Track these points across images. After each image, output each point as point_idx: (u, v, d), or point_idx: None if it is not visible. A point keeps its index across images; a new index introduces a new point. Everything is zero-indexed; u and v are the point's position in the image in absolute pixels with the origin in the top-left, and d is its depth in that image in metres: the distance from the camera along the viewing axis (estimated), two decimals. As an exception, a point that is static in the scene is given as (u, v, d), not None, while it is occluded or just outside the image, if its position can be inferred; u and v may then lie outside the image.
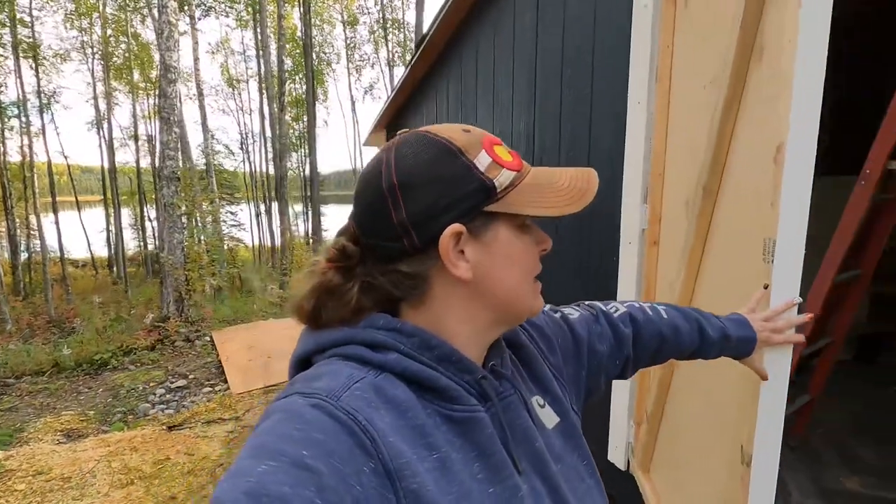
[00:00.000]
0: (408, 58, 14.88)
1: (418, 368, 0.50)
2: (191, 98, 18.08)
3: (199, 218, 11.77)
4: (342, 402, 0.44)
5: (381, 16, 16.56)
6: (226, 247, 12.43)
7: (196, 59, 14.71)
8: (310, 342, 0.54)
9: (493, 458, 0.51)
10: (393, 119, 4.65)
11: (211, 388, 5.71)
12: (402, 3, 16.26)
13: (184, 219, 9.03)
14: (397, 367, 0.50)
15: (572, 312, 0.75)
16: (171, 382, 5.99)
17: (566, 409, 0.64)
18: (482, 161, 0.51)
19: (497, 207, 0.51)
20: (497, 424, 0.53)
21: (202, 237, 11.63)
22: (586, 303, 0.81)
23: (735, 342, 0.82)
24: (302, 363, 0.55)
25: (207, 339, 7.47)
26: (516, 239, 0.54)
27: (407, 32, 16.23)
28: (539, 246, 0.57)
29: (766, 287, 0.85)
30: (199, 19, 15.49)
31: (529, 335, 0.68)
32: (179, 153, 9.65)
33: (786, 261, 0.87)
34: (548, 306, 0.74)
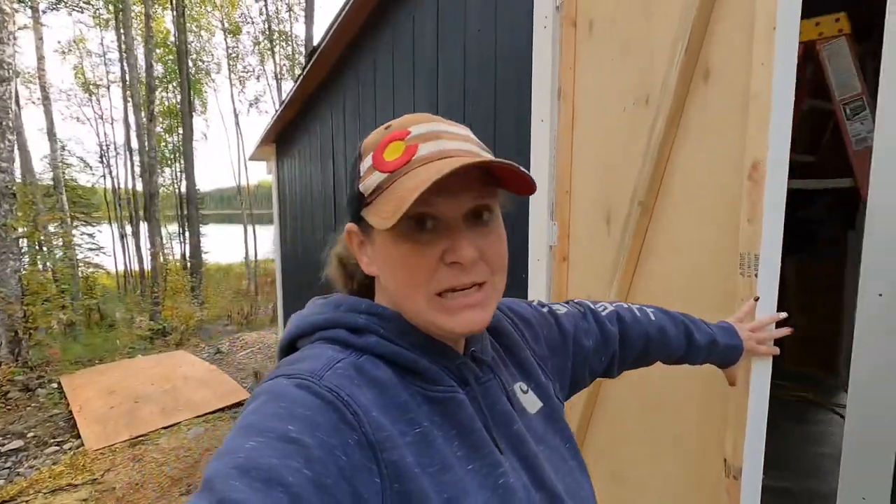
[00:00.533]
0: (297, 71, 14.33)
1: (397, 351, 0.51)
2: (34, 102, 15.55)
3: (43, 241, 10.00)
4: (325, 380, 0.45)
5: (266, 27, 15.75)
6: (80, 274, 10.69)
7: (41, 58, 12.67)
8: (295, 327, 0.56)
9: (472, 437, 0.52)
10: (282, 133, 4.35)
11: (58, 447, 4.73)
12: (290, 15, 15.67)
13: (21, 242, 7.57)
14: (378, 350, 0.51)
15: (560, 308, 0.77)
16: (1, 445, 4.87)
17: (549, 395, 0.65)
18: (365, 164, 0.52)
19: (366, 213, 0.51)
20: (476, 407, 0.54)
21: (48, 264, 9.88)
22: (575, 300, 0.82)
23: (722, 349, 0.85)
24: (288, 348, 0.56)
25: (55, 385, 6.27)
26: (393, 246, 0.51)
27: (295, 45, 15.61)
28: (442, 257, 0.49)
29: (756, 300, 0.89)
30: (44, 12, 13.38)
31: (514, 323, 0.69)
32: (15, 165, 8.11)
33: (767, 274, 0.91)
34: (536, 301, 0.77)
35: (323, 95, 3.62)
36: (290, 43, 15.44)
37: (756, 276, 0.92)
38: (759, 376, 0.94)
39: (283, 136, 4.38)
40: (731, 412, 0.99)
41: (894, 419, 0.98)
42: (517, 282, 2.03)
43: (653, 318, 0.81)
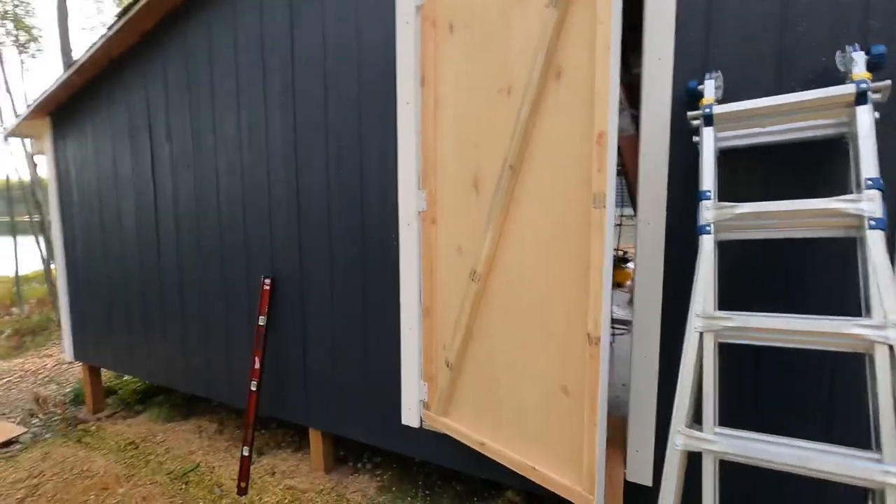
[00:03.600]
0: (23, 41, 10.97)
1: None
2: None
3: None
4: None
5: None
6: None
7: None
8: None
9: None
10: (65, 104, 3.47)
11: None
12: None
13: None
14: None
15: None
16: None
17: None
18: None
19: None
20: None
21: None
22: None
23: None
24: None
25: None
26: None
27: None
28: None
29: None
30: None
31: None
32: None
33: (610, 206, 1.36)
34: None
35: (132, 63, 3.11)
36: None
37: (605, 207, 1.42)
38: (597, 266, 1.44)
39: (68, 108, 3.52)
40: (591, 299, 1.48)
41: (666, 294, 1.63)
42: (388, 246, 2.29)
43: None
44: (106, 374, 4.72)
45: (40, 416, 4.17)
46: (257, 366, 2.73)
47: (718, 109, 1.36)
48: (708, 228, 1.30)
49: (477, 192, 1.91)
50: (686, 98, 1.59)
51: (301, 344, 2.66)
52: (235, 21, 2.65)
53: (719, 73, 1.48)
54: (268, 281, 2.70)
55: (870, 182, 1.15)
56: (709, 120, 1.38)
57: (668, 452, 1.22)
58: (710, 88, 1.43)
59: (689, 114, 1.46)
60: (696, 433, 1.20)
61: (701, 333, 1.24)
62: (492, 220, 1.82)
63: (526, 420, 1.81)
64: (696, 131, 1.52)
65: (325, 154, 2.44)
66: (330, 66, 2.37)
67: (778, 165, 1.50)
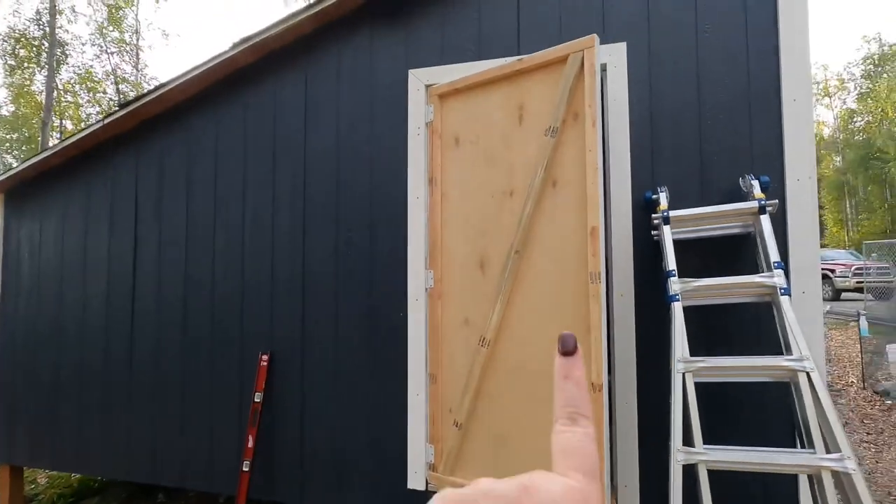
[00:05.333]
0: None
1: None
2: None
3: None
4: None
5: None
6: None
7: None
8: None
9: None
10: (30, 181, 3.38)
11: None
12: None
13: None
14: None
15: None
16: None
17: None
18: None
19: None
20: None
21: None
22: None
23: None
24: None
25: None
26: None
27: None
28: None
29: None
30: None
31: None
32: None
33: (603, 281, 1.84)
34: None
35: (123, 146, 3.23)
36: None
37: (600, 282, 1.89)
38: (596, 326, 1.88)
39: (33, 186, 3.44)
40: (593, 354, 1.90)
41: (642, 349, 2.11)
42: (396, 320, 2.58)
43: None
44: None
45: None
46: (251, 444, 2.75)
47: (674, 213, 1.94)
48: (677, 297, 1.81)
49: (483, 272, 2.32)
50: (642, 204, 2.18)
51: (299, 419, 2.76)
52: (246, 118, 2.98)
53: (666, 188, 2.09)
54: (265, 357, 2.82)
55: (776, 264, 1.73)
56: (666, 220, 1.95)
57: (672, 467, 1.60)
58: (663, 199, 2.02)
59: (654, 215, 2.03)
60: (691, 449, 1.61)
61: (683, 374, 1.69)
62: (500, 295, 2.22)
63: (534, 468, 2.11)
64: (654, 228, 2.09)
65: (334, 238, 2.74)
66: (343, 166, 2.75)
67: (712, 252, 2.10)
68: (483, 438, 2.28)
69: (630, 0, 2.32)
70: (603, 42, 2.24)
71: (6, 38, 15.61)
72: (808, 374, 1.55)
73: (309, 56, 2.86)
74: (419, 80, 2.62)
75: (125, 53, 17.90)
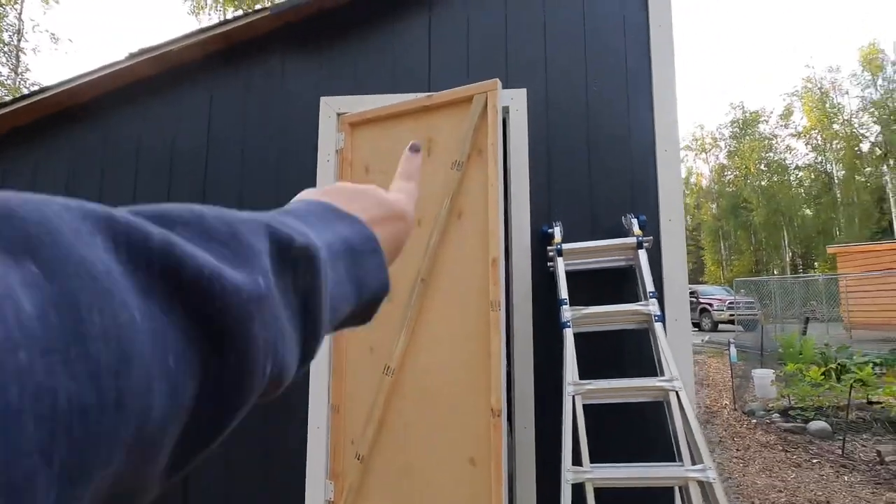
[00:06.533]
0: None
1: None
2: None
3: None
4: None
5: None
6: None
7: None
8: None
9: None
10: None
11: None
12: None
13: None
14: None
15: None
16: None
17: None
18: None
19: None
20: None
21: None
22: None
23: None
24: None
25: None
26: None
27: None
28: None
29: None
30: None
31: None
32: None
33: (503, 311, 1.91)
34: None
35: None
36: None
37: (500, 310, 1.98)
38: (496, 353, 1.96)
39: None
40: (493, 380, 1.97)
41: (538, 375, 2.21)
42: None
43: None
44: None
45: None
46: (125, 491, 2.45)
47: (566, 246, 2.10)
48: (569, 324, 1.94)
49: (390, 300, 2.32)
50: (539, 237, 2.34)
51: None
52: (141, 130, 2.78)
53: (560, 223, 2.27)
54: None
55: (651, 293, 1.93)
56: (560, 252, 2.10)
57: (562, 486, 1.68)
58: (557, 232, 2.18)
59: (549, 247, 2.18)
60: (580, 468, 1.70)
61: (573, 396, 1.80)
62: (406, 322, 2.23)
63: (438, 496, 2.10)
64: (550, 259, 2.25)
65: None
66: (246, 188, 2.65)
67: (600, 283, 2.29)
68: (386, 470, 2.23)
69: (530, 49, 2.54)
70: (506, 87, 2.41)
71: None
72: (677, 392, 1.72)
73: (216, 73, 2.76)
74: (331, 107, 2.64)
75: (2, 54, 16.02)
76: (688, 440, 1.67)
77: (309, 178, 2.58)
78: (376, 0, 2.71)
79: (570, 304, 2.03)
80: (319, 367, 2.44)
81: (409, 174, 0.43)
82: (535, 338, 2.30)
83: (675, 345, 2.02)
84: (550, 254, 2.19)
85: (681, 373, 1.80)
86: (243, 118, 2.71)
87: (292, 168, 2.63)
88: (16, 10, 16.02)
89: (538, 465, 2.22)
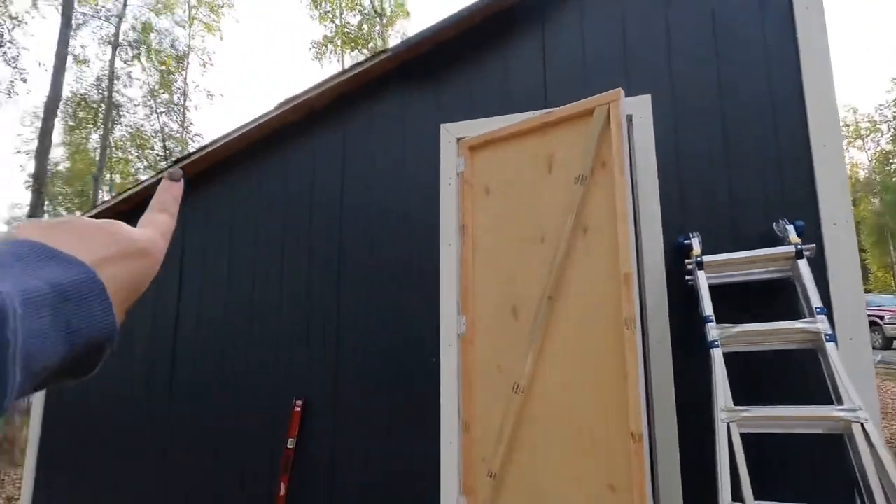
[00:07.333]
0: None
1: None
2: None
3: None
4: None
5: None
6: None
7: None
8: None
9: None
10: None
11: None
12: None
13: None
14: None
15: None
16: None
17: None
18: None
19: None
20: None
21: None
22: None
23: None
24: None
25: None
26: None
27: None
28: None
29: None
30: None
31: None
32: None
33: (638, 329, 1.83)
34: None
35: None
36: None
37: (635, 329, 1.88)
38: (633, 375, 1.85)
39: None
40: (631, 403, 1.86)
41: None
42: (429, 365, 2.59)
43: None
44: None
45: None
46: (283, 492, 2.73)
47: (707, 258, 1.94)
48: (717, 343, 1.78)
49: (516, 318, 2.33)
50: (674, 249, 2.19)
51: (331, 467, 2.73)
52: (286, 174, 3.16)
53: (698, 233, 2.10)
54: (299, 402, 2.84)
55: (818, 309, 1.70)
56: (700, 265, 1.94)
57: (721, 524, 1.53)
58: (696, 244, 2.02)
59: (687, 260, 2.03)
60: (741, 505, 1.53)
61: (727, 423, 1.64)
62: (533, 341, 2.22)
63: (574, 523, 2.03)
64: (688, 272, 2.09)
65: (368, 285, 2.81)
66: (376, 217, 2.86)
67: (747, 297, 2.07)
68: (518, 490, 2.22)
69: (653, 54, 2.42)
70: (628, 95, 2.32)
71: (68, 102, 17.07)
72: (862, 425, 1.48)
73: (345, 114, 3.05)
74: (450, 133, 2.75)
75: (173, 113, 19.27)
76: (882, 483, 1.42)
77: (432, 203, 2.71)
78: (488, 24, 2.79)
79: (716, 322, 1.86)
80: (450, 383, 2.52)
81: (163, 205, 0.41)
82: (674, 358, 2.14)
83: (852, 368, 1.75)
84: (689, 267, 2.03)
85: (863, 401, 1.54)
86: (371, 152, 2.94)
87: (416, 194, 2.78)
88: (182, 74, 19.22)
89: (686, 495, 2.04)
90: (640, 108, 2.36)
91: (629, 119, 2.36)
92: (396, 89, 2.94)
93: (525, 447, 2.22)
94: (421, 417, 2.57)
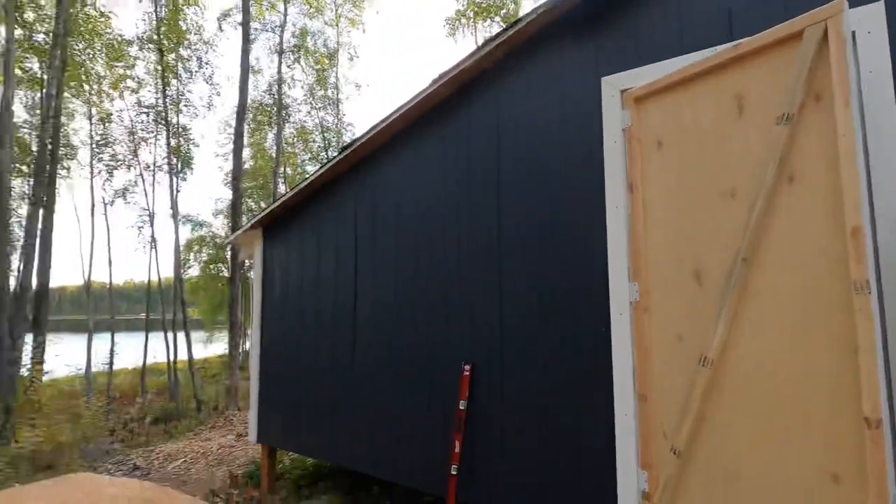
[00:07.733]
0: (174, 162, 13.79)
1: None
2: None
3: None
4: None
5: (152, 115, 14.84)
6: None
7: None
8: None
9: None
10: (277, 218, 4.33)
11: None
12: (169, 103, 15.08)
13: None
14: None
15: None
16: None
17: None
18: None
19: None
20: None
21: None
22: None
23: None
24: None
25: None
26: None
27: (184, 138, 15.00)
28: None
29: None
30: None
31: None
32: None
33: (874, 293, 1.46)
34: None
35: (342, 188, 3.88)
36: (174, 134, 14.79)
37: (868, 293, 1.55)
38: (868, 348, 1.53)
39: (279, 222, 4.38)
40: (863, 381, 1.55)
41: None
42: (598, 335, 2.49)
43: None
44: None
45: (221, 496, 4.56)
46: (457, 449, 2.92)
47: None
48: None
49: (699, 284, 2.10)
50: (923, 193, 1.73)
51: (499, 431, 2.83)
52: (444, 149, 3.25)
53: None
54: (468, 367, 2.98)
55: None
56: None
57: None
58: (961, 185, 1.57)
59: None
60: None
61: None
62: (724, 309, 1.98)
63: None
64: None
65: (532, 252, 2.79)
66: (536, 182, 2.80)
67: None
68: (707, 471, 2.03)
69: (884, -50, 1.91)
70: (851, 6, 1.87)
71: (248, 108, 20.02)
72: None
73: (499, 80, 3.01)
74: (613, 86, 2.54)
75: (328, 107, 21.34)
76: None
77: (597, 163, 2.56)
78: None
79: None
80: (623, 353, 2.40)
81: None
82: (922, 329, 1.73)
83: None
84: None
85: None
86: (526, 118, 2.87)
87: (578, 156, 2.65)
88: (334, 70, 21.14)
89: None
90: (868, 21, 1.89)
91: (852, 37, 1.91)
92: (551, 45, 2.80)
93: (715, 425, 2.01)
94: (591, 389, 2.50)
